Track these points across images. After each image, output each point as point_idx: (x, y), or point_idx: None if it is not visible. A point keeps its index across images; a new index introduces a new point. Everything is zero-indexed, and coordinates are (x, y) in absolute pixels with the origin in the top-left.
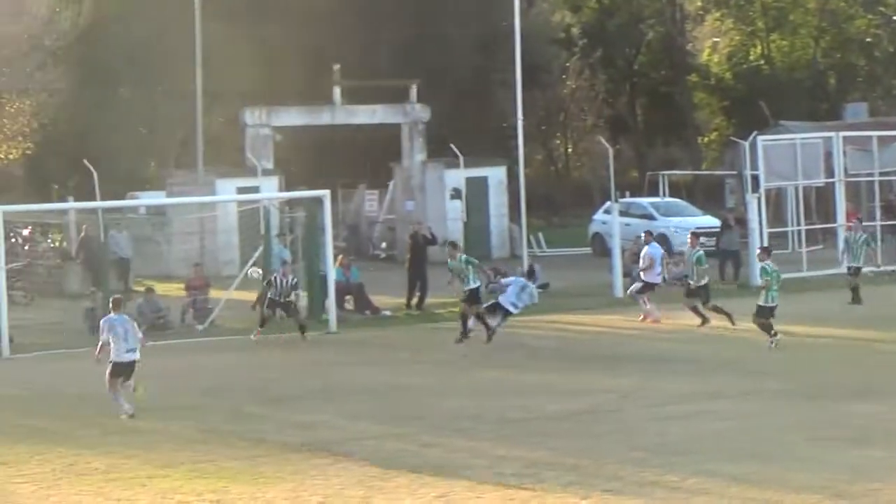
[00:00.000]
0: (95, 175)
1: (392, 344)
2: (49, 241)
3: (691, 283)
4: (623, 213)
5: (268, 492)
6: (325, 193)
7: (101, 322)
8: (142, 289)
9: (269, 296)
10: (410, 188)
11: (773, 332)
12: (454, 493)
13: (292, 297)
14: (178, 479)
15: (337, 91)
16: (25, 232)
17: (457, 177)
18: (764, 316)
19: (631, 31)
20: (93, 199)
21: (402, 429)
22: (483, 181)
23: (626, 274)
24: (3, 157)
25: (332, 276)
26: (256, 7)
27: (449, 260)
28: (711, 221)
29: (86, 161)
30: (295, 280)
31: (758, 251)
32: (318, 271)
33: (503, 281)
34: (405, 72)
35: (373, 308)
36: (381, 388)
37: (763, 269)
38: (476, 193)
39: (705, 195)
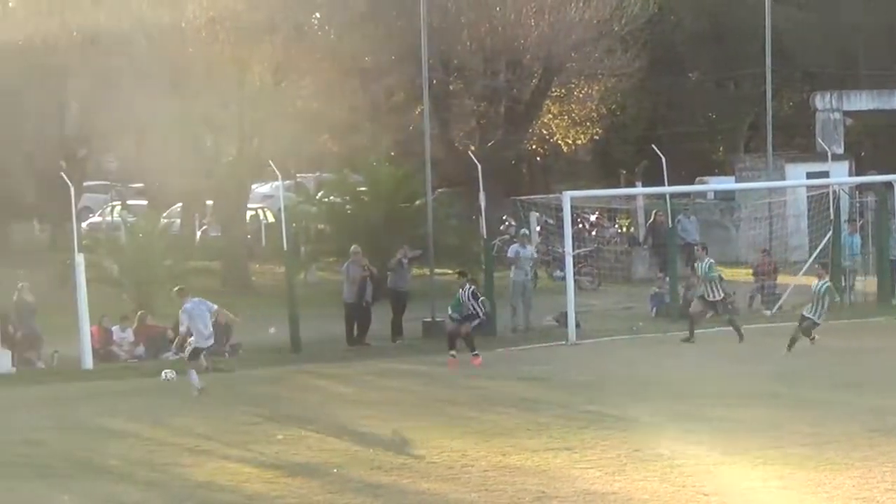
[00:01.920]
0: (664, 160)
1: None
2: (616, 226)
3: None
4: None
5: (834, 478)
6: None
7: (181, 314)
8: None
9: None
10: None
11: None
12: None
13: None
14: (744, 466)
15: None
16: (593, 217)
17: None
18: None
19: None
20: (660, 184)
21: None
22: None
23: None
24: (570, 142)
25: None
26: None
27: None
28: None
29: (654, 146)
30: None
31: None
32: (888, 256)
33: None
34: None
35: None
36: None
37: None
38: None
39: None
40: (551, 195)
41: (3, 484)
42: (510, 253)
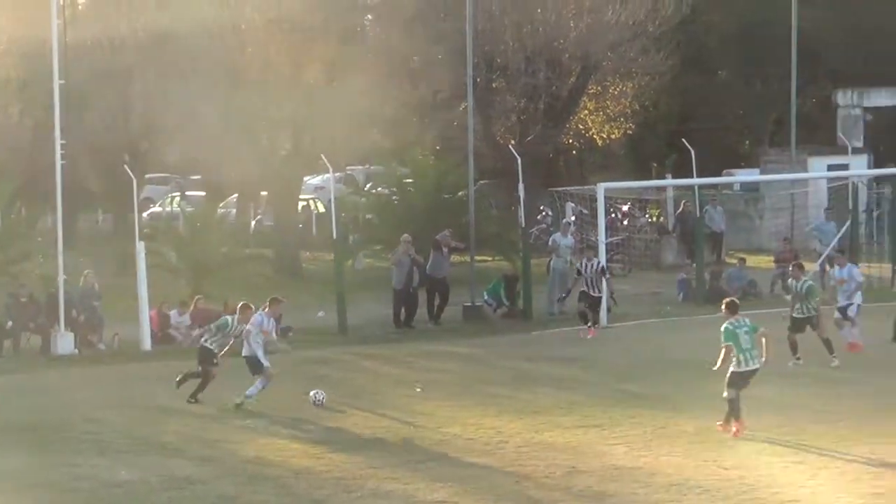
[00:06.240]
0: (693, 153)
1: None
2: (647, 216)
3: None
4: None
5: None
6: None
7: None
8: (734, 261)
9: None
10: None
11: None
12: None
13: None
14: (762, 441)
15: None
16: (625, 207)
17: None
18: None
19: None
20: (689, 176)
21: None
22: None
23: None
24: (605, 137)
25: None
26: None
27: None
28: None
29: (684, 140)
30: (601, 265)
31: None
32: None
33: None
34: None
35: None
36: None
37: None
38: None
39: None
40: (586, 187)
41: (65, 459)
42: (550, 242)
